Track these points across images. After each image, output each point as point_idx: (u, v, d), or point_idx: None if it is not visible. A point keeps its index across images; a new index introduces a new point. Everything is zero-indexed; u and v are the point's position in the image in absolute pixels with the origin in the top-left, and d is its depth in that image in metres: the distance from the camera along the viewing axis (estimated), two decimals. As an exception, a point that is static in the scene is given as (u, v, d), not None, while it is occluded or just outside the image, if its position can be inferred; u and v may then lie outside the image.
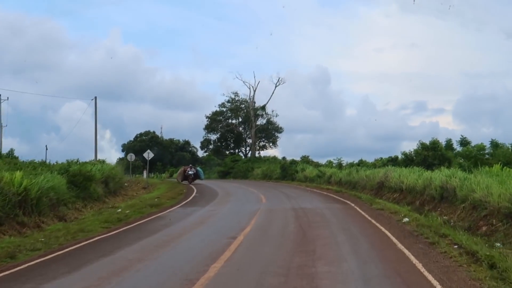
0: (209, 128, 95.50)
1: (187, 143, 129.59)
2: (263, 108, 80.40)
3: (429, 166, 38.77)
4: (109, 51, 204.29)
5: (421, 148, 42.06)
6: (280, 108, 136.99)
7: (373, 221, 18.57)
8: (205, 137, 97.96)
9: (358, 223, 18.32)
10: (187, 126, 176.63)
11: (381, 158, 63.16)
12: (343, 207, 24.00)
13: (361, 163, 71.40)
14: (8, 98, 71.99)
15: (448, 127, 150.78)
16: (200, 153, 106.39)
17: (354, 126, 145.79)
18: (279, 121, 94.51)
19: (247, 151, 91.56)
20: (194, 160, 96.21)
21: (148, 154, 51.44)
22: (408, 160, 42.35)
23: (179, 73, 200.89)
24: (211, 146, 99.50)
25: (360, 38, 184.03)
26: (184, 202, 27.98)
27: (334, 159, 73.39)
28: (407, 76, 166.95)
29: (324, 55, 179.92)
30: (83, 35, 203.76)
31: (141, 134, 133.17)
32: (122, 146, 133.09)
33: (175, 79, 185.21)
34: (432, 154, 40.81)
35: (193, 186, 42.01)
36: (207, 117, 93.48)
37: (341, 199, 28.98)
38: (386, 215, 20.03)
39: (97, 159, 50.80)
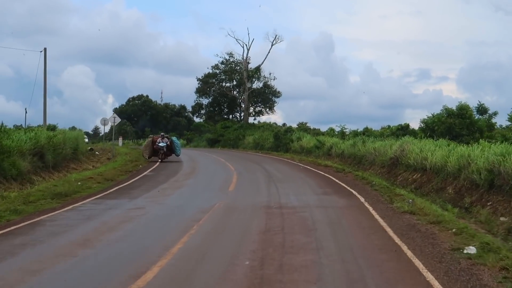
0: (201, 92, 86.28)
1: (183, 108, 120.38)
2: (257, 69, 71.07)
3: (455, 137, 29.92)
4: (112, 15, 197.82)
5: (446, 114, 32.84)
6: (283, 75, 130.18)
7: (404, 246, 9.63)
8: (196, 101, 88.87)
9: (376, 255, 9.28)
10: (189, 92, 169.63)
11: (389, 126, 54.94)
12: (348, 205, 14.99)
13: (366, 132, 63.57)
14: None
15: (451, 95, 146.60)
16: (197, 119, 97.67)
17: (357, 94, 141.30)
18: (279, 86, 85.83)
19: (242, 117, 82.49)
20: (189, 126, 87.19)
21: (114, 119, 42.64)
22: (428, 129, 33.30)
23: (181, 39, 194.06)
24: (203, 111, 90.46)
25: (365, 5, 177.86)
26: (116, 188, 19.14)
27: (337, 126, 64.72)
28: (411, 44, 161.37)
29: (328, 22, 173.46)
30: None
31: (133, 98, 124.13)
32: (113, 111, 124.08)
33: (177, 44, 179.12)
34: (459, 122, 31.66)
35: (157, 162, 32.92)
36: (198, 79, 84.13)
37: (344, 185, 20.14)
38: (423, 229, 11.15)
39: (47, 124, 41.46)
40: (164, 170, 26.49)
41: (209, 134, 69.04)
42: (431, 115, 35.58)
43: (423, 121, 35.85)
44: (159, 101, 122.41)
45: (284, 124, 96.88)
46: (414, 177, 24.06)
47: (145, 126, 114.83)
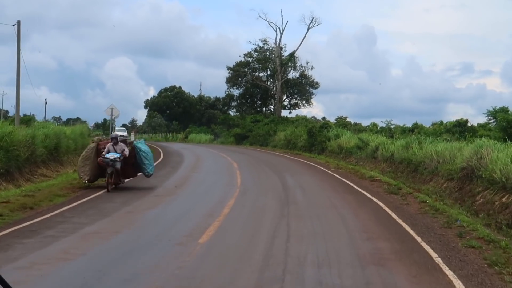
0: (231, 82, 77.94)
1: (218, 100, 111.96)
2: (291, 55, 62.28)
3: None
4: (154, 7, 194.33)
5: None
6: (324, 68, 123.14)
7: None
8: (227, 92, 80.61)
9: None
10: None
11: (442, 122, 46.07)
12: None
13: (415, 128, 54.41)
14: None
15: (496, 90, 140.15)
16: (232, 112, 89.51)
17: (399, 87, 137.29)
18: (320, 79, 77.09)
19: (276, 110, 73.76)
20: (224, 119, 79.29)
21: (112, 111, 34.87)
22: (509, 128, 24.48)
23: (222, 31, 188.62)
24: (234, 103, 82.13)
25: None
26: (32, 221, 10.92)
27: (382, 122, 55.48)
28: (454, 37, 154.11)
29: (370, 14, 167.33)
30: None
31: (165, 89, 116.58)
32: (144, 103, 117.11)
33: (218, 37, 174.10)
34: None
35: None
36: (229, 68, 75.70)
37: (411, 231, 10.85)
38: None
39: (20, 115, 33.73)
40: (133, 184, 18.30)
41: (238, 129, 60.79)
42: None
43: (501, 118, 26.74)
44: (197, 94, 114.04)
45: (323, 118, 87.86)
46: (503, 200, 15.58)
47: (174, 118, 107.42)
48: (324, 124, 44.70)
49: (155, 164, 19.34)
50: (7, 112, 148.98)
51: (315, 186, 18.53)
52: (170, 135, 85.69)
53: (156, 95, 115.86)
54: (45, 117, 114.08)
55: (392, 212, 13.02)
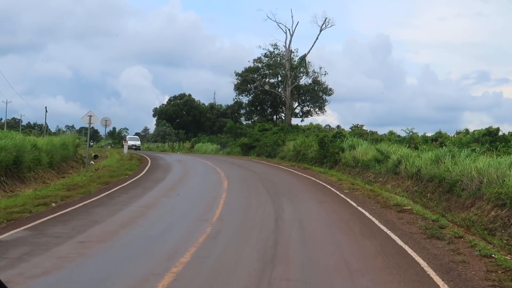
0: (240, 89, 72.75)
1: (230, 108, 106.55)
2: (302, 58, 56.85)
3: None
4: (169, 17, 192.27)
5: None
6: (339, 76, 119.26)
7: None
8: (235, 100, 75.38)
9: None
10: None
11: (467, 131, 40.72)
12: None
13: (440, 137, 48.83)
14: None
15: None
16: (246, 121, 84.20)
17: (414, 96, 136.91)
18: (334, 87, 71.82)
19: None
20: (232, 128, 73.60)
21: (90, 118, 29.94)
22: None
23: (237, 40, 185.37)
24: (242, 111, 76.92)
25: (424, 7, 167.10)
26: None
27: (402, 130, 50.11)
28: (470, 46, 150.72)
29: (386, 24, 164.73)
30: (143, 1, 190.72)
31: (175, 97, 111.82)
32: (153, 111, 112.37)
33: (233, 45, 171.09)
34: None
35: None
36: (237, 74, 70.47)
37: None
38: None
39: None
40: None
41: (245, 138, 55.46)
42: None
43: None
44: (211, 103, 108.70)
45: (338, 127, 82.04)
46: None
47: (183, 127, 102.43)
48: (337, 133, 39.24)
49: (130, 181, 17.15)
50: (14, 119, 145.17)
51: (321, 222, 13.04)
52: (176, 144, 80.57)
53: (165, 103, 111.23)
54: (45, 125, 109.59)
55: (445, 285, 7.56)
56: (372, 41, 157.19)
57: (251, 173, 26.99)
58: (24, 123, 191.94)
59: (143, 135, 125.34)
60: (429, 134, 49.10)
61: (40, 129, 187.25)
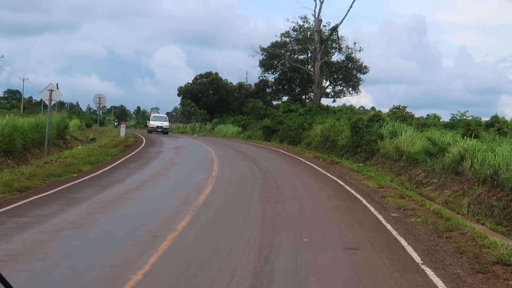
0: (265, 66, 64.85)
1: (256, 86, 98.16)
2: (334, 29, 48.47)
3: None
4: None
5: None
6: (374, 58, 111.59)
7: None
8: (260, 78, 67.56)
9: None
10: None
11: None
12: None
13: (497, 122, 40.67)
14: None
15: None
16: (276, 102, 76.12)
17: (450, 78, 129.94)
18: (370, 67, 63.71)
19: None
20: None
21: (51, 93, 23.12)
22: None
23: (272, 20, 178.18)
24: (268, 90, 69.12)
25: None
26: None
27: (455, 114, 42.40)
28: (508, 28, 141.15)
29: (422, 5, 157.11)
30: None
31: (201, 76, 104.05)
32: (178, 90, 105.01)
33: (267, 26, 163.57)
34: None
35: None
36: (262, 49, 62.38)
37: None
38: None
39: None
40: None
41: (268, 120, 47.78)
42: None
43: None
44: (240, 81, 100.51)
45: (373, 109, 73.25)
46: None
47: (209, 107, 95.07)
48: (374, 116, 31.12)
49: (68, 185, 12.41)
50: (31, 97, 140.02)
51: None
52: (198, 125, 73.40)
53: (191, 81, 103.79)
54: (57, 103, 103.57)
55: None
56: (408, 22, 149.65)
57: (255, 170, 19.37)
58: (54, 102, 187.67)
59: (173, 115, 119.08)
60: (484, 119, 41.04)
61: (71, 108, 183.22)
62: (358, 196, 13.65)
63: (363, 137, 28.00)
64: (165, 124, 57.45)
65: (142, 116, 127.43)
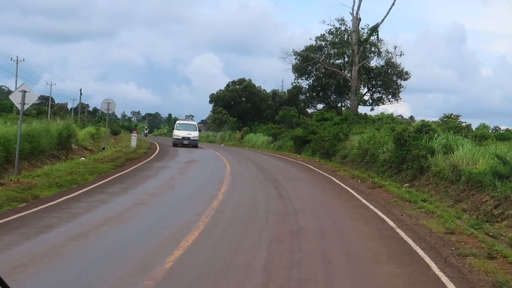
0: (299, 71, 60.06)
1: (293, 95, 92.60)
2: (374, 29, 43.20)
3: None
4: (241, 5, 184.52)
5: None
6: (411, 67, 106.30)
7: None
8: (294, 84, 62.72)
9: None
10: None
11: None
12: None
13: None
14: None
15: None
16: (310, 110, 70.87)
17: (489, 87, 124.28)
18: (408, 67, 58.26)
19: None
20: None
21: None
22: None
23: (309, 29, 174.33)
24: (302, 97, 64.21)
25: None
26: None
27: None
28: None
29: (460, 13, 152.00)
30: None
31: (233, 82, 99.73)
32: (210, 97, 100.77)
33: (304, 33, 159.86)
34: None
35: None
36: (296, 54, 57.56)
37: None
38: None
39: None
40: None
41: (300, 129, 42.97)
42: None
43: None
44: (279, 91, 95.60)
45: (411, 118, 67.36)
46: None
47: (241, 115, 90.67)
48: (423, 127, 25.94)
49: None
50: (66, 103, 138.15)
51: None
52: (227, 134, 68.98)
53: (223, 88, 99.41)
54: (79, 108, 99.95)
55: None
56: (446, 31, 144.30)
57: (272, 199, 14.57)
58: (91, 108, 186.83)
59: (207, 123, 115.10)
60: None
61: (100, 116, 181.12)
62: (420, 253, 8.69)
63: (409, 151, 22.99)
64: (194, 134, 43.55)
65: (174, 123, 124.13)
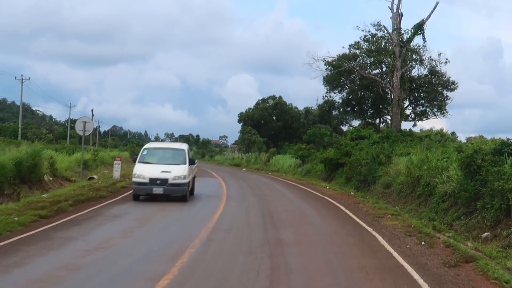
0: (331, 83, 52.39)
1: (325, 113, 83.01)
2: (419, 27, 34.88)
3: None
4: (275, 25, 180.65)
5: None
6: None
7: None
8: (325, 98, 54.81)
9: None
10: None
11: None
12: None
13: None
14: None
15: None
16: (345, 127, 62.71)
17: None
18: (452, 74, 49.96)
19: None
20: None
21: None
22: None
23: (344, 46, 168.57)
24: (335, 112, 56.25)
25: None
26: None
27: None
28: None
29: (496, 27, 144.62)
30: (250, 9, 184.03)
31: (263, 100, 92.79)
32: (238, 116, 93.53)
33: (340, 52, 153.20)
34: None
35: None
36: (327, 64, 49.77)
37: None
38: None
39: None
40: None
41: (331, 149, 35.27)
42: None
43: None
44: (306, 106, 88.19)
45: (453, 134, 58.19)
46: None
47: (271, 134, 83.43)
48: (504, 146, 17.87)
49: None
50: (98, 127, 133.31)
51: None
52: (253, 155, 61.53)
53: (253, 107, 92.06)
54: (98, 126, 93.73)
55: None
56: (482, 45, 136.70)
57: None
58: (125, 129, 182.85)
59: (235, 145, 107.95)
60: None
61: (139, 139, 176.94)
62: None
63: (486, 183, 15.19)
64: (177, 171, 19.94)
65: (202, 145, 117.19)
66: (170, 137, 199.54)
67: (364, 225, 14.57)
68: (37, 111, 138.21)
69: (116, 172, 25.53)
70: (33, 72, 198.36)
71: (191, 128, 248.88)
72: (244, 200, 19.31)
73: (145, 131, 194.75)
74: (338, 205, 18.72)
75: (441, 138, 32.63)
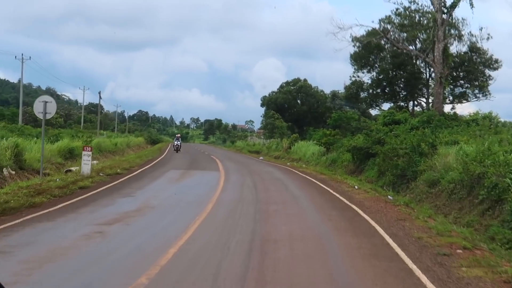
0: (359, 62, 46.59)
1: (353, 96, 75.31)
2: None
3: None
4: (303, 8, 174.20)
5: None
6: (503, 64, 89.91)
7: None
8: (353, 78, 48.89)
9: None
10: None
11: None
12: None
13: None
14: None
15: None
16: (375, 111, 56.41)
17: None
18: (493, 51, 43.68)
19: (431, 103, 40.38)
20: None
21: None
22: None
23: (373, 21, 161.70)
24: (363, 94, 50.27)
25: None
26: None
27: None
28: None
29: None
30: None
31: (287, 83, 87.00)
32: (261, 100, 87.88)
33: (369, 28, 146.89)
34: None
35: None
36: (355, 40, 43.86)
37: None
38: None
39: None
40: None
41: (360, 137, 29.76)
42: None
43: None
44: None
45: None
46: None
47: (296, 119, 77.94)
48: None
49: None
50: (122, 111, 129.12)
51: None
52: (274, 142, 56.12)
53: (276, 90, 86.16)
54: (99, 111, 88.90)
55: None
56: None
57: None
58: (151, 114, 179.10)
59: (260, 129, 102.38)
60: None
61: (163, 124, 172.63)
62: None
63: None
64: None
65: (224, 130, 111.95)
66: (196, 121, 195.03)
67: (428, 284, 8.32)
68: (63, 96, 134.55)
69: (86, 166, 20.28)
70: (61, 56, 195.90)
71: (218, 113, 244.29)
72: (235, 215, 13.59)
73: (171, 116, 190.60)
74: (374, 224, 12.60)
75: (491, 124, 26.79)
